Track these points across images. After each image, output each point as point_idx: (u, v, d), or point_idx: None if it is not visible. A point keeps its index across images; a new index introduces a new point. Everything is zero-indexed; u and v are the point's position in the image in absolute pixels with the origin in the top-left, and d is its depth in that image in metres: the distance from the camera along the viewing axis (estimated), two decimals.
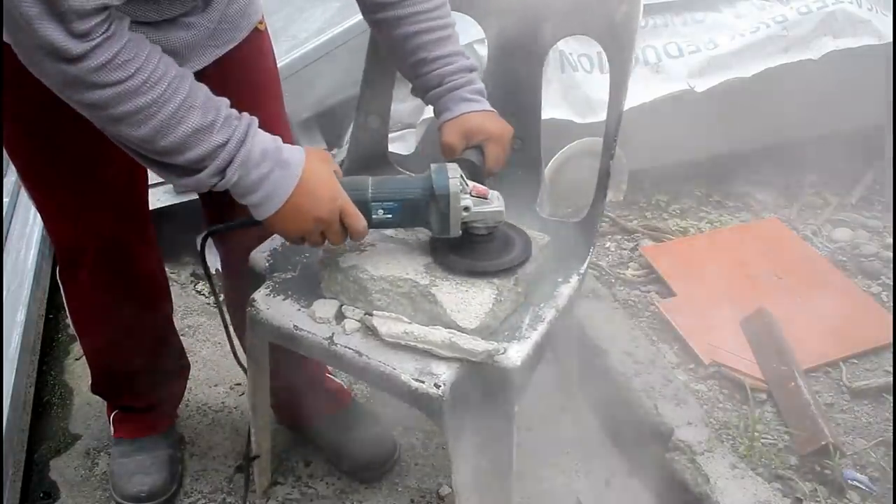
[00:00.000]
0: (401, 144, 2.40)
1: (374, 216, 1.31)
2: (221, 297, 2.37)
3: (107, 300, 1.64)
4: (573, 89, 2.45)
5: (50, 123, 1.33)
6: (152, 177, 1.40)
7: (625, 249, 2.61)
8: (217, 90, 1.42)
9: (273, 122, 1.58)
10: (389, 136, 1.83)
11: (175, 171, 1.20)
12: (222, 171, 1.18)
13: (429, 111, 2.36)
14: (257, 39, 1.51)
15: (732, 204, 2.85)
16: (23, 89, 1.23)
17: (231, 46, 1.42)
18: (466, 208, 1.32)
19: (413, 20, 1.43)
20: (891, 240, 2.59)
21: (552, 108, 2.41)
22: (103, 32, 1.05)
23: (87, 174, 1.41)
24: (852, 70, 2.65)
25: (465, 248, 1.38)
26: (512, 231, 1.46)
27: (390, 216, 1.32)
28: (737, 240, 2.62)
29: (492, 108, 1.49)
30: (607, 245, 2.62)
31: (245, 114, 1.22)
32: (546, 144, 1.69)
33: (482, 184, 1.37)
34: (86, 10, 1.01)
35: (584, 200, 1.59)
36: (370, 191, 1.31)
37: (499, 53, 1.67)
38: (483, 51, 2.20)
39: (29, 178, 1.48)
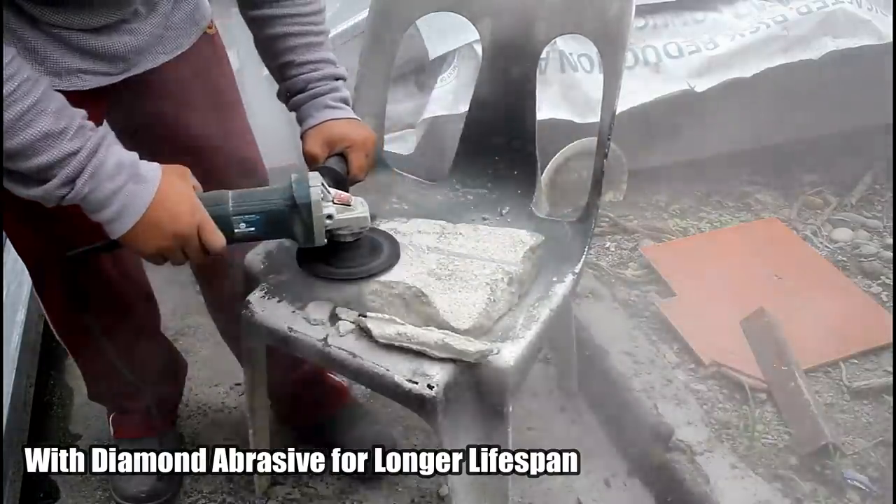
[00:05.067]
0: (400, 144, 2.40)
1: (236, 230, 1.28)
2: None
3: (84, 308, 1.62)
4: (573, 89, 2.45)
5: None
6: None
7: (625, 249, 2.60)
8: (170, 95, 1.41)
9: (230, 126, 1.58)
10: (389, 136, 1.84)
11: (20, 179, 1.16)
12: (72, 182, 1.14)
13: (429, 111, 2.38)
14: (208, 44, 1.49)
15: (732, 204, 2.84)
16: None
17: (179, 52, 1.41)
18: (329, 216, 1.30)
19: (286, 21, 1.41)
20: (891, 240, 2.59)
21: (552, 108, 2.42)
22: None
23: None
24: (852, 70, 2.65)
25: (332, 256, 1.38)
26: (380, 236, 1.46)
27: (253, 229, 1.29)
28: (737, 240, 2.61)
29: (355, 116, 1.48)
30: (607, 245, 2.62)
31: (101, 127, 1.19)
32: (546, 144, 1.70)
33: (346, 191, 1.36)
34: None
35: (584, 200, 1.59)
36: (230, 204, 1.27)
37: (493, 53, 1.68)
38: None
39: None
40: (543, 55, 1.82)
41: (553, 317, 1.42)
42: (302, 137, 1.47)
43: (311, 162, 1.45)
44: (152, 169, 1.21)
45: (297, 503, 1.84)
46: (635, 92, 2.47)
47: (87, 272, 1.55)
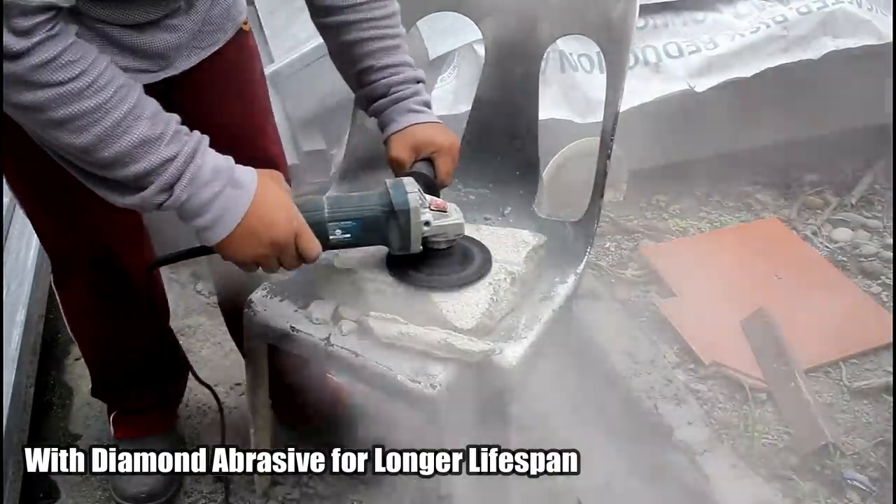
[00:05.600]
0: None
1: (331, 237, 1.26)
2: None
3: (102, 308, 1.62)
4: (573, 89, 2.45)
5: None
6: None
7: (625, 249, 2.61)
8: (204, 92, 1.39)
9: (261, 122, 1.57)
10: None
11: (118, 187, 1.14)
12: (170, 188, 1.12)
13: None
14: (242, 40, 1.47)
15: (732, 204, 2.85)
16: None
17: (215, 48, 1.39)
18: (427, 223, 1.28)
19: (362, 27, 1.39)
20: (891, 240, 2.59)
21: (552, 108, 2.41)
22: (47, 31, 1.01)
23: (77, 184, 1.39)
24: (852, 70, 2.65)
25: (424, 263, 1.36)
26: (470, 243, 1.44)
27: (349, 236, 1.27)
28: (737, 240, 2.62)
29: (439, 120, 1.46)
30: (607, 245, 2.62)
31: (196, 132, 1.17)
32: (546, 144, 1.69)
33: (437, 197, 1.35)
34: (29, 7, 0.98)
35: (585, 200, 1.59)
36: (326, 210, 1.25)
37: (496, 54, 1.68)
38: (483, 51, 2.20)
39: (19, 189, 1.45)
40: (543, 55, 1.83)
41: (555, 317, 1.42)
42: (386, 143, 1.44)
43: (397, 167, 1.42)
44: (248, 173, 1.19)
45: (297, 503, 1.84)
46: (635, 92, 2.47)
47: (112, 271, 1.54)
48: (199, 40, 1.36)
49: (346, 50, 1.42)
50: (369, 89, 1.44)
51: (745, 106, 2.65)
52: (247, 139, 1.50)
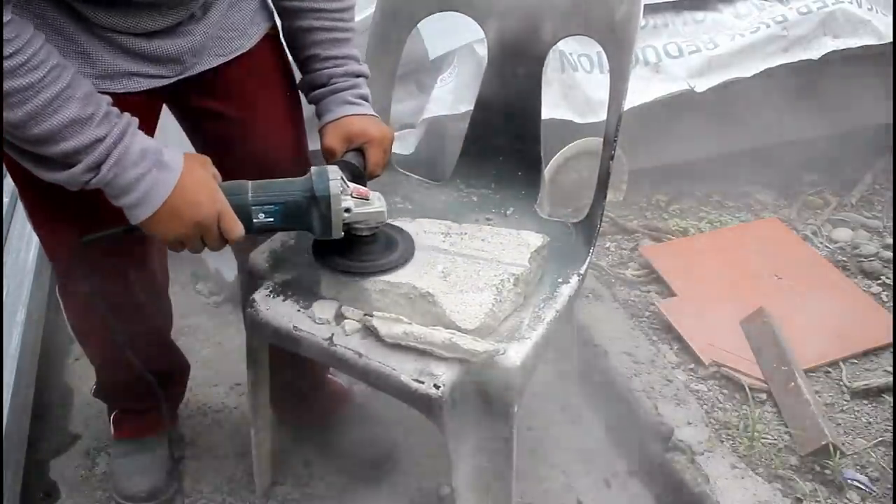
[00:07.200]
0: (401, 144, 2.40)
1: (255, 220, 1.29)
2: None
3: (106, 316, 1.62)
4: (573, 89, 2.45)
5: None
6: None
7: (625, 249, 2.61)
8: (229, 97, 1.42)
9: (287, 131, 1.58)
10: None
11: (47, 164, 1.18)
12: (97, 167, 1.16)
13: (429, 111, 2.38)
14: (270, 46, 1.50)
15: (732, 204, 2.85)
16: None
17: (239, 53, 1.42)
18: (347, 210, 1.32)
19: (315, 16, 1.43)
20: (891, 240, 2.60)
21: (552, 108, 2.41)
22: None
23: (90, 198, 1.39)
24: (852, 70, 2.65)
25: (348, 250, 1.40)
26: (394, 232, 1.47)
27: (272, 220, 1.31)
28: (737, 240, 2.62)
29: (374, 114, 1.49)
30: (607, 245, 2.62)
31: (126, 114, 1.20)
32: (546, 144, 1.69)
33: (363, 186, 1.38)
34: None
35: (585, 200, 1.59)
36: (250, 194, 1.29)
37: (499, 54, 1.67)
38: (482, 51, 2.20)
39: (28, 199, 1.46)
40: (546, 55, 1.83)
41: (558, 318, 1.42)
42: (320, 131, 1.48)
43: (329, 156, 1.46)
44: (175, 157, 1.23)
45: (297, 503, 1.84)
46: (635, 92, 2.47)
47: (114, 276, 1.54)
48: (220, 47, 1.38)
49: (296, 35, 1.46)
50: (311, 77, 1.48)
51: (745, 106, 2.65)
52: (273, 145, 1.53)
